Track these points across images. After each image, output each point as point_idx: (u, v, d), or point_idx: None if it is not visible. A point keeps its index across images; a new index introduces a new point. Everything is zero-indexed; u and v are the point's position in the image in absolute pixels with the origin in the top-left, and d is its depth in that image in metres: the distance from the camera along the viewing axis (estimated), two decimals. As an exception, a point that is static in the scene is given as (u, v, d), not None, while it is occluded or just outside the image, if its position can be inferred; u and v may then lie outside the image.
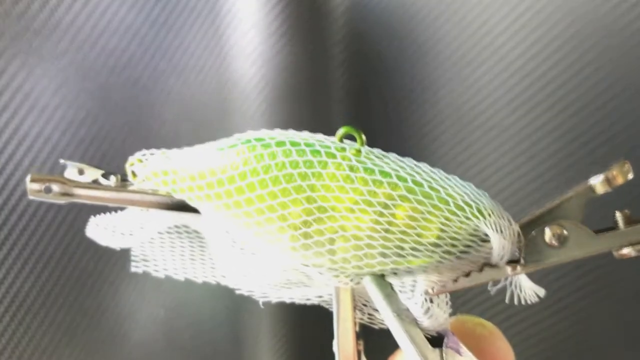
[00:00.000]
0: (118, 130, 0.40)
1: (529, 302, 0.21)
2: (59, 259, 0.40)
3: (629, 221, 0.18)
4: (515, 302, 0.21)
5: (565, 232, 0.19)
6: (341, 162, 0.19)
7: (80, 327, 0.41)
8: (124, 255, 0.41)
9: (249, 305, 0.44)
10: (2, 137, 0.38)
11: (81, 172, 0.21)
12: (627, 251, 0.18)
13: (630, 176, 0.18)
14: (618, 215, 0.18)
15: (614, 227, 0.19)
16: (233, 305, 0.44)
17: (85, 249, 0.40)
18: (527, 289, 0.21)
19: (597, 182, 0.18)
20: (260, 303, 0.22)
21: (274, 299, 0.22)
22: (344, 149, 0.19)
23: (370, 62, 0.41)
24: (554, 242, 0.19)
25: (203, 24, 0.40)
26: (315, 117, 0.41)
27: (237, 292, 0.22)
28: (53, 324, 0.40)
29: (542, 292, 0.21)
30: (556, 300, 0.41)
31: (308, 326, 0.44)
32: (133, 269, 0.22)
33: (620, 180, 0.18)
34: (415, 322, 0.19)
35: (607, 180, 0.18)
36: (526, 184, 0.40)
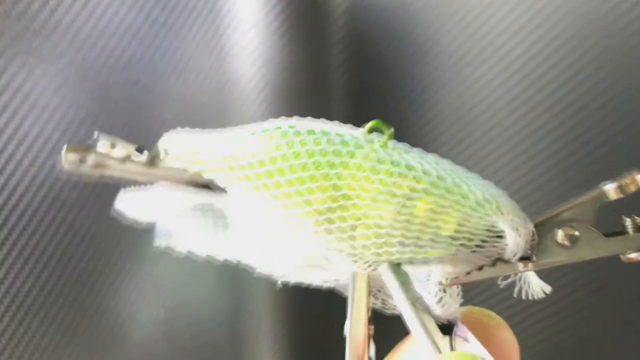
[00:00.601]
0: (118, 130, 0.40)
1: (535, 297, 0.21)
2: (59, 259, 0.40)
3: (638, 227, 0.19)
4: (523, 297, 0.21)
5: (576, 233, 0.19)
6: (369, 153, 0.19)
7: (80, 327, 0.41)
8: (124, 255, 0.41)
9: (249, 305, 0.44)
10: (2, 137, 0.38)
11: (113, 145, 0.21)
12: (634, 256, 0.19)
13: None
14: (627, 221, 0.19)
15: (623, 231, 0.19)
16: (233, 305, 0.44)
17: (85, 249, 0.40)
18: (535, 285, 0.21)
19: (610, 188, 0.19)
20: (279, 283, 0.23)
21: (293, 280, 0.23)
22: (372, 141, 0.19)
23: (370, 62, 0.41)
24: (566, 243, 0.19)
25: (203, 24, 0.40)
26: (315, 117, 0.40)
27: (256, 274, 0.23)
28: (53, 324, 0.40)
29: (548, 288, 0.21)
30: (559, 298, 0.41)
31: (308, 326, 0.44)
32: (157, 243, 0.23)
33: (632, 188, 0.19)
34: (428, 310, 0.20)
35: (620, 188, 0.19)
36: (526, 184, 0.40)
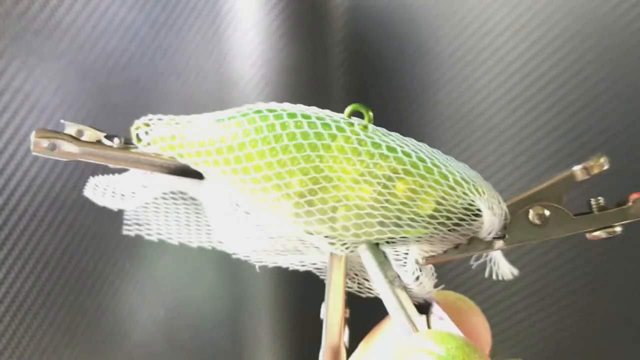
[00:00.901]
0: (118, 130, 0.39)
1: (504, 279, 0.22)
2: (59, 259, 0.40)
3: (601, 208, 0.20)
4: (494, 278, 0.22)
5: (547, 212, 0.20)
6: (350, 135, 0.20)
7: (80, 327, 0.41)
8: (124, 255, 0.41)
9: (249, 305, 0.44)
10: (2, 138, 0.38)
11: (80, 133, 0.21)
12: (598, 233, 0.20)
13: (606, 167, 0.20)
14: (593, 202, 0.20)
15: (589, 212, 0.21)
16: (233, 305, 0.44)
17: (85, 249, 0.40)
18: (504, 267, 0.22)
19: (577, 169, 0.20)
20: (257, 267, 0.23)
21: (270, 263, 0.23)
22: (352, 124, 0.20)
23: (370, 62, 0.41)
24: (537, 221, 0.20)
25: (203, 24, 0.40)
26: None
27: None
28: (53, 324, 0.40)
29: (515, 271, 0.22)
30: (560, 297, 0.41)
31: (308, 326, 0.44)
32: (125, 232, 0.23)
33: (596, 170, 0.20)
34: (405, 289, 0.20)
35: (585, 169, 0.20)
36: (527, 183, 0.40)
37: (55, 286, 0.40)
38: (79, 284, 0.40)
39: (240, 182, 0.20)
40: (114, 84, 0.39)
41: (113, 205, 0.22)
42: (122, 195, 0.22)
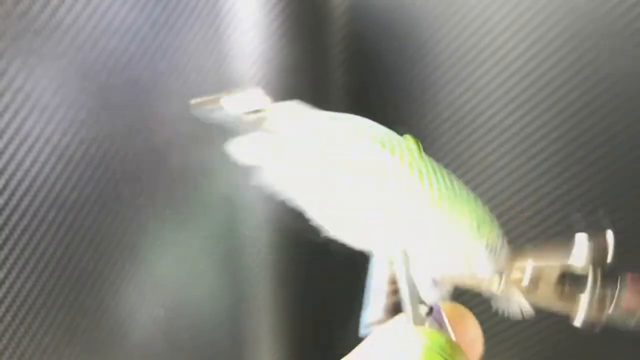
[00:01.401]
0: (118, 130, 0.40)
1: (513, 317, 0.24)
2: (59, 259, 0.40)
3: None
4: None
5: (539, 282, 0.22)
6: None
7: (80, 327, 0.41)
8: (124, 255, 0.41)
9: (249, 305, 0.44)
10: (3, 138, 0.38)
11: (238, 98, 0.23)
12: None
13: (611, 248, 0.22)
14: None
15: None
16: (233, 305, 0.44)
17: (85, 249, 0.40)
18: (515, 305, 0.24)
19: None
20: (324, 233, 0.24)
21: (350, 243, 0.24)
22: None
23: (370, 62, 0.41)
24: (527, 285, 0.22)
25: (203, 24, 0.40)
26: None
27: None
28: (53, 324, 0.40)
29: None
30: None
31: (308, 326, 0.44)
32: (254, 183, 0.23)
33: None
34: (417, 292, 0.22)
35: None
36: (527, 184, 0.40)
37: (55, 286, 0.40)
38: (79, 284, 0.41)
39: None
40: (114, 84, 0.39)
41: (249, 162, 0.23)
42: (267, 155, 0.23)
